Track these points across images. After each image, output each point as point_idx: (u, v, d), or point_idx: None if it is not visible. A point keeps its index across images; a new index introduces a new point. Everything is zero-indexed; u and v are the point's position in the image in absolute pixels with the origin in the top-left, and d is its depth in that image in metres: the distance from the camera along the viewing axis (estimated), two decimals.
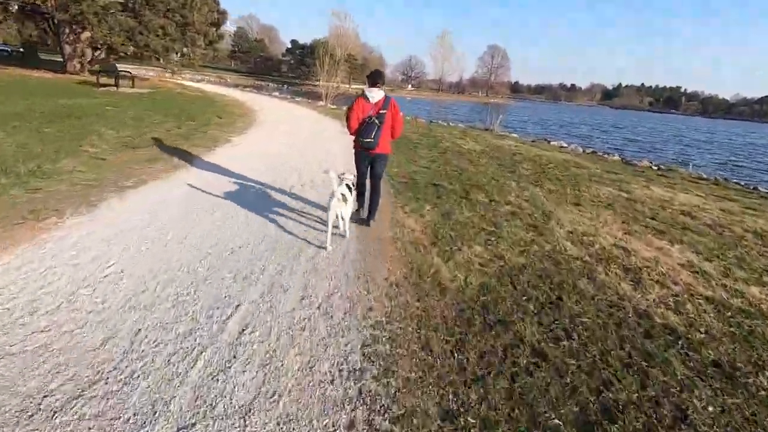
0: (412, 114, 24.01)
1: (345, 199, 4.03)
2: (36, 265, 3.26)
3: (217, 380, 2.29)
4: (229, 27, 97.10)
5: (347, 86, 78.46)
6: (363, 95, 4.38)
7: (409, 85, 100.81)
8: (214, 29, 22.72)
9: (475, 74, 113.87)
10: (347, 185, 4.19)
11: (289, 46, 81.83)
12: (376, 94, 4.35)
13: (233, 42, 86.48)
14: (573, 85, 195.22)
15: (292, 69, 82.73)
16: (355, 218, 4.83)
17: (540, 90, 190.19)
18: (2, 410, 1.95)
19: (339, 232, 4.39)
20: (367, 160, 4.59)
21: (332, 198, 3.91)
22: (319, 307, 3.13)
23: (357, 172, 4.74)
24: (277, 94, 33.20)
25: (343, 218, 4.22)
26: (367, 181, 4.87)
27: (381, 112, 4.31)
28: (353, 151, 4.66)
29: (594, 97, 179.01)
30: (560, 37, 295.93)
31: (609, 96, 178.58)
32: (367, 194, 4.94)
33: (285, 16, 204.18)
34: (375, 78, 4.49)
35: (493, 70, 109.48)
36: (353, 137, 4.52)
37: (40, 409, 1.98)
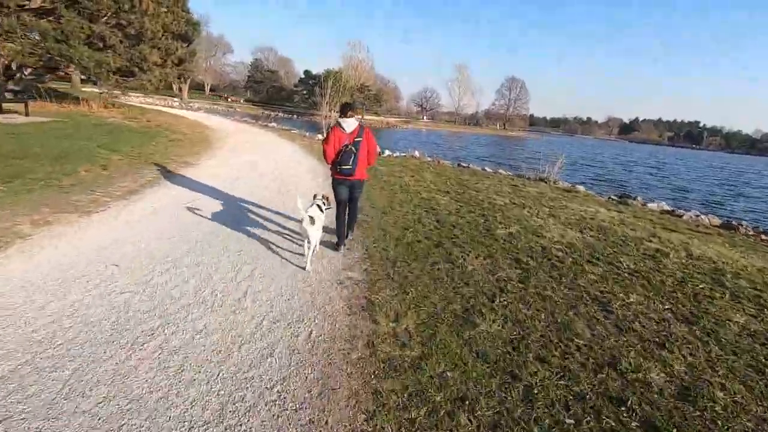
0: (430, 151, 18.16)
1: (313, 221, 4.03)
2: None
3: None
4: (236, 60, 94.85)
5: (359, 117, 74.16)
6: (338, 125, 4.43)
7: (424, 117, 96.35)
8: (184, 44, 17.46)
9: (492, 106, 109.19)
10: (318, 205, 4.35)
11: (303, 76, 78.33)
12: (350, 124, 4.42)
13: (249, 72, 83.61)
14: (589, 119, 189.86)
15: (303, 99, 78.95)
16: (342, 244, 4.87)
17: (555, 123, 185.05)
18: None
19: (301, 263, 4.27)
20: (346, 186, 4.59)
21: (303, 221, 3.95)
22: None
23: (336, 200, 4.71)
24: (274, 124, 27.95)
25: (309, 243, 4.13)
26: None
27: (356, 140, 4.38)
28: (331, 179, 4.66)
29: (611, 131, 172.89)
30: (574, 70, 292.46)
31: (626, 130, 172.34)
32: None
33: (303, 50, 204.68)
34: (347, 108, 4.54)
35: (511, 102, 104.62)
36: (330, 166, 4.54)
37: None
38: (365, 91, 68.17)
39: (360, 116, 66.80)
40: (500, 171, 14.68)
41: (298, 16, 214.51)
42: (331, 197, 4.77)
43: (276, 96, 79.21)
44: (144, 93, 58.28)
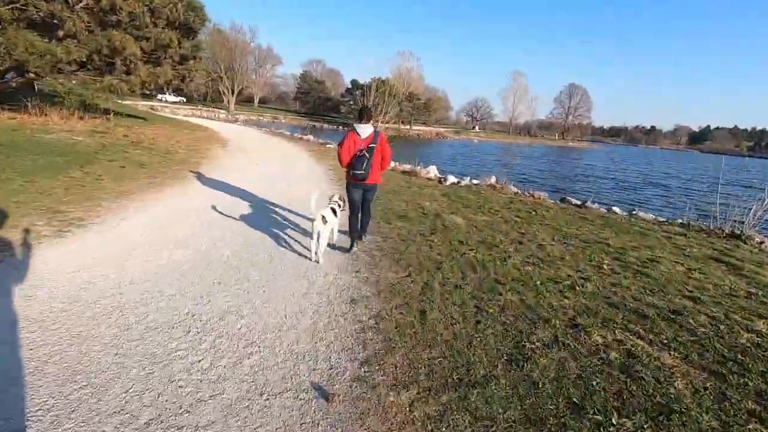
0: (490, 167, 12.59)
1: (325, 221, 4.13)
2: None
3: None
4: (287, 72, 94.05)
5: (407, 127, 69.33)
6: (354, 130, 4.41)
7: (476, 127, 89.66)
8: (187, 36, 13.11)
9: (549, 116, 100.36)
10: (332, 207, 4.41)
11: (350, 86, 74.73)
12: (365, 129, 4.40)
13: (298, 84, 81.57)
14: (653, 127, 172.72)
15: (350, 110, 75.36)
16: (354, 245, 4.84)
17: (615, 132, 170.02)
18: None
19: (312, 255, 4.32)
20: (359, 190, 4.63)
21: (314, 220, 4.03)
22: None
23: (349, 203, 4.78)
24: (311, 137, 23.41)
25: (319, 240, 4.19)
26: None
27: (371, 145, 4.36)
28: (345, 182, 4.68)
29: (679, 141, 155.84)
30: (633, 75, 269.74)
31: (696, 139, 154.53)
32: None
33: (351, 62, 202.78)
34: (363, 114, 4.50)
35: (570, 111, 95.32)
36: (345, 170, 4.53)
37: None
38: (414, 100, 63.15)
39: (409, 126, 61.95)
40: (638, 213, 8.79)
41: (349, 32, 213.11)
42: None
43: (323, 106, 76.29)
44: (144, 97, 57.60)
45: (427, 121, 70.96)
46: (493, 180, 11.28)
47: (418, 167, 13.08)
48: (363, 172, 4.35)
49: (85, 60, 10.36)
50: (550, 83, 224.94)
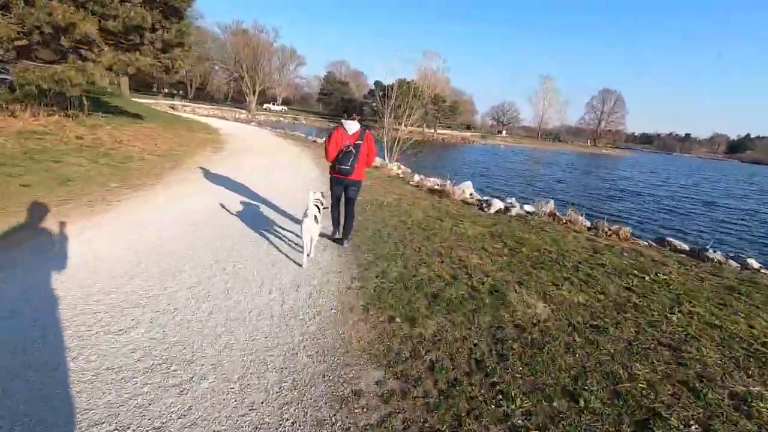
0: (535, 186, 9.69)
1: (316, 220, 4.03)
2: None
3: None
4: (311, 73, 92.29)
5: (431, 131, 66.04)
6: (341, 126, 4.46)
7: (503, 131, 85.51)
8: (171, 20, 10.60)
9: (580, 121, 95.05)
10: (316, 205, 4.19)
11: (373, 87, 72.11)
12: (352, 126, 4.44)
13: (322, 86, 79.64)
14: (687, 135, 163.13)
15: (373, 111, 72.76)
16: (331, 238, 4.95)
17: (646, 139, 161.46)
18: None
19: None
20: (342, 185, 4.59)
21: (305, 218, 3.92)
22: None
23: (332, 197, 4.76)
24: (317, 140, 20.72)
25: (312, 239, 4.12)
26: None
27: (357, 142, 4.39)
28: (329, 176, 4.66)
29: (716, 149, 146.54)
30: (667, 80, 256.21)
31: (735, 148, 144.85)
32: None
33: (375, 63, 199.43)
34: (351, 112, 4.62)
35: (603, 116, 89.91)
36: (330, 164, 4.54)
37: None
38: (439, 102, 59.93)
39: (433, 131, 58.73)
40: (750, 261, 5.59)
41: (374, 32, 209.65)
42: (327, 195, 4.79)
43: (345, 108, 73.94)
44: (151, 94, 56.27)
45: (452, 125, 67.56)
46: (551, 207, 8.23)
47: (449, 184, 10.17)
48: (348, 167, 4.35)
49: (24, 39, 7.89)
50: (579, 88, 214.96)
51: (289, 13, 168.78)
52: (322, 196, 4.51)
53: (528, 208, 8.22)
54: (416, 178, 11.21)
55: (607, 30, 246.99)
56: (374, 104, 73.82)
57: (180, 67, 11.36)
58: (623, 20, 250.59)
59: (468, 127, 75.21)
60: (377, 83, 69.77)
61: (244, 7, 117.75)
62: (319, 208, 4.25)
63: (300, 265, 4.06)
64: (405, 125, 16.57)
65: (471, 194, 9.61)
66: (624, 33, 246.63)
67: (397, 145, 15.91)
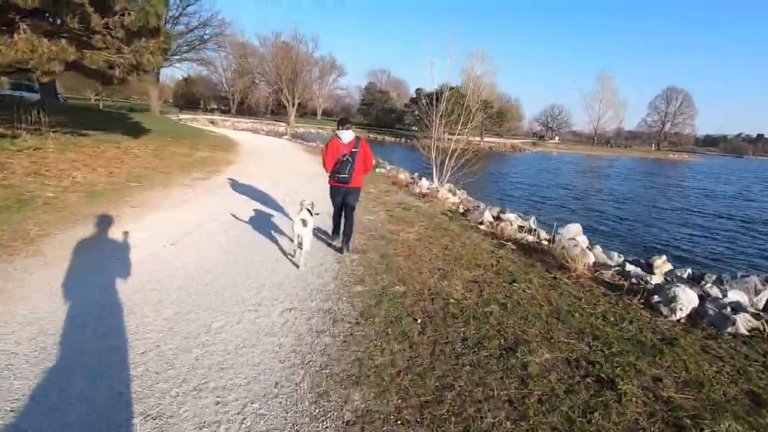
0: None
1: (305, 223, 4.08)
2: None
3: None
4: (352, 84, 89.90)
5: (477, 139, 61.34)
6: (336, 136, 4.48)
7: (556, 137, 78.64)
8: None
9: (641, 124, 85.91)
10: (307, 209, 4.28)
11: (414, 95, 68.56)
12: (347, 135, 4.47)
13: (362, 96, 77.28)
14: (760, 136, 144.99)
15: (416, 121, 69.05)
16: (334, 247, 4.94)
17: (711, 142, 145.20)
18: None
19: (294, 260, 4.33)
20: (341, 194, 4.61)
21: (294, 223, 4.04)
22: None
23: (333, 205, 4.81)
24: None
25: (301, 245, 4.16)
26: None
27: (353, 150, 4.43)
28: (328, 186, 4.70)
29: None
30: (733, 77, 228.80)
31: None
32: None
33: (418, 71, 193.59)
34: (345, 121, 4.58)
35: (668, 118, 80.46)
36: (329, 174, 4.56)
37: None
38: (487, 108, 55.15)
39: (480, 139, 54.03)
40: None
41: (413, 41, 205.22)
42: (327, 204, 4.90)
43: (385, 118, 70.89)
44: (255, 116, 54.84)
45: (500, 132, 62.32)
46: None
47: (554, 235, 6.20)
48: (346, 175, 4.40)
49: None
50: (636, 88, 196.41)
51: (328, 22, 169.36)
52: (312, 206, 4.50)
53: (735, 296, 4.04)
54: (487, 215, 7.30)
55: (661, 18, 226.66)
56: (416, 112, 70.13)
57: (150, 65, 8.26)
58: (678, 13, 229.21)
59: (512, 133, 69.42)
60: (419, 90, 66.29)
61: (283, 20, 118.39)
62: (310, 212, 4.29)
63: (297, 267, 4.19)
64: (464, 133, 12.72)
65: (606, 263, 5.40)
66: (680, 26, 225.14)
67: (450, 160, 12.03)
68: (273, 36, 56.85)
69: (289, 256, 4.50)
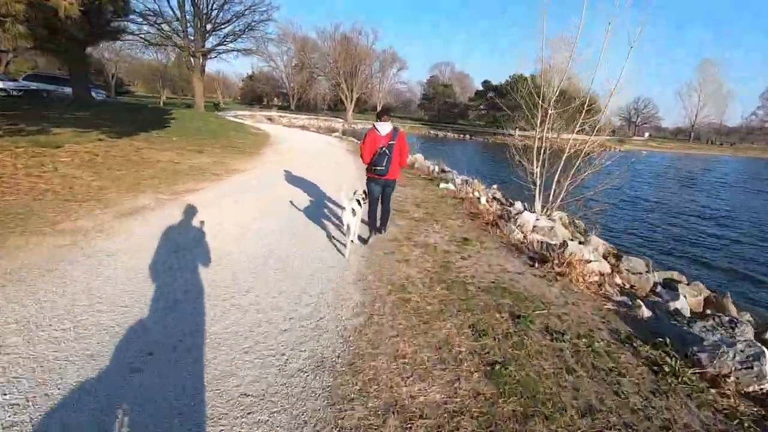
0: None
1: (354, 212, 4.08)
2: None
3: None
4: (413, 79, 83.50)
5: (553, 136, 53.54)
6: (374, 128, 4.34)
7: (646, 134, 67.37)
8: None
9: (750, 117, 71.27)
10: (357, 200, 4.25)
11: (480, 88, 62.07)
12: (385, 127, 4.33)
13: (424, 91, 72.25)
14: None
15: (480, 116, 62.52)
16: (371, 230, 4.81)
17: None
18: None
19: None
20: (379, 186, 4.54)
21: (344, 211, 4.01)
22: None
23: (370, 197, 4.68)
24: (426, 163, 13.03)
25: (348, 228, 4.15)
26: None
27: (390, 143, 4.30)
28: (366, 177, 4.62)
29: None
30: None
31: None
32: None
33: (486, 63, 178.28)
34: (383, 113, 4.44)
35: None
36: (366, 166, 4.47)
37: None
38: (570, 101, 47.51)
39: (555, 134, 46.71)
40: None
41: (479, 32, 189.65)
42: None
43: (448, 113, 65.25)
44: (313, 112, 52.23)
45: (584, 129, 53.76)
46: None
47: None
48: (384, 168, 4.30)
49: None
50: (740, 79, 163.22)
51: (390, 12, 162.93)
52: (364, 193, 4.52)
53: None
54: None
55: None
56: (482, 107, 63.65)
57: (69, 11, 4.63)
58: None
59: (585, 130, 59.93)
60: (486, 83, 59.82)
61: (344, 14, 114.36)
62: (359, 203, 4.27)
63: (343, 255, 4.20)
64: (539, 131, 7.90)
65: None
66: None
67: (564, 173, 7.29)
68: (332, 28, 53.74)
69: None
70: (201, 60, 24.69)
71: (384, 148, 4.26)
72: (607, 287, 4.18)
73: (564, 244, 4.83)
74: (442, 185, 9.07)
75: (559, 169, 7.71)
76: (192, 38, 23.55)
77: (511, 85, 51.03)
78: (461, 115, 66.43)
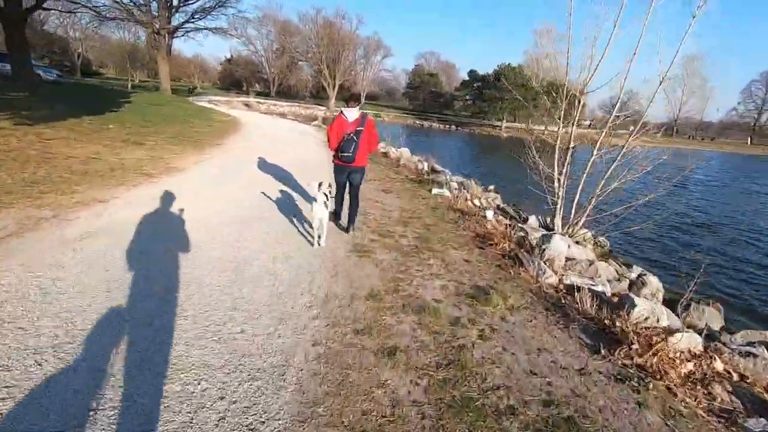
0: None
1: (326, 205, 3.90)
2: None
3: None
4: (397, 67, 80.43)
5: (539, 128, 52.43)
6: (341, 114, 4.25)
7: (630, 126, 66.90)
8: None
9: (731, 114, 71.59)
10: (324, 193, 3.99)
11: (467, 78, 60.15)
12: (353, 113, 4.23)
13: (409, 79, 69.76)
14: None
15: (466, 107, 60.82)
16: (338, 227, 4.63)
17: None
18: None
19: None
20: (345, 172, 4.39)
21: (314, 203, 3.83)
22: None
23: (336, 184, 4.50)
24: (394, 149, 11.14)
25: (321, 225, 3.98)
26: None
27: (358, 129, 4.20)
28: (333, 165, 4.45)
29: None
30: None
31: None
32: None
33: (469, 54, 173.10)
34: (351, 99, 4.42)
35: (765, 107, 65.99)
36: (333, 152, 4.33)
37: None
38: (555, 91, 46.20)
39: (541, 127, 45.56)
40: None
41: (465, 21, 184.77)
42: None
43: (433, 103, 63.30)
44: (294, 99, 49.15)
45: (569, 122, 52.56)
46: None
47: None
48: (350, 154, 4.17)
49: None
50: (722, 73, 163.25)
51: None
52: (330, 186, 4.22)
53: None
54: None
55: None
56: (468, 97, 62.37)
57: None
58: None
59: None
60: (472, 73, 57.96)
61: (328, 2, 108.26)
62: (327, 196, 4.01)
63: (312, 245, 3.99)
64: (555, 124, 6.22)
65: None
66: None
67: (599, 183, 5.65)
68: (314, 12, 50.75)
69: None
70: (167, 39, 22.03)
71: (351, 134, 4.13)
72: (717, 389, 2.53)
73: (626, 300, 3.16)
74: (435, 190, 7.30)
75: (585, 174, 6.06)
76: (156, 14, 20.89)
77: (498, 76, 49.47)
78: (447, 105, 64.56)
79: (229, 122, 15.63)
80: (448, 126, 49.78)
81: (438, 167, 10.31)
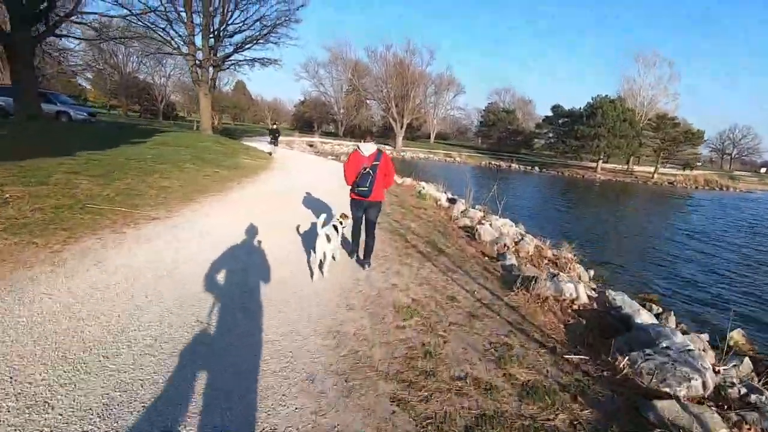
0: None
1: (329, 239, 3.99)
2: None
3: None
4: (470, 106, 77.38)
5: (647, 169, 44.67)
6: (357, 149, 4.33)
7: (763, 169, 55.39)
8: None
9: None
10: (334, 225, 4.24)
11: (549, 114, 54.63)
12: (368, 148, 4.29)
13: (482, 117, 66.10)
14: None
15: (550, 145, 54.81)
16: (356, 260, 4.77)
17: None
18: None
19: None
20: (362, 207, 4.46)
21: (318, 237, 3.90)
22: None
23: (353, 219, 4.63)
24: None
25: (325, 257, 4.06)
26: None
27: (374, 163, 4.26)
28: (349, 199, 4.56)
29: None
30: None
31: None
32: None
33: (548, 89, 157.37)
34: (366, 135, 4.45)
35: None
36: (350, 187, 4.43)
37: None
38: (663, 126, 39.19)
39: (650, 168, 38.22)
40: None
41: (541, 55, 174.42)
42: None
43: (509, 141, 58.61)
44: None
45: (690, 162, 44.24)
46: None
47: None
48: (367, 189, 4.24)
49: None
50: None
51: (447, 36, 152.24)
52: (343, 216, 4.55)
53: None
54: None
55: None
56: (551, 135, 56.04)
57: None
58: None
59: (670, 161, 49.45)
60: (557, 109, 52.57)
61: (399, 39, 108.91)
62: (337, 229, 4.24)
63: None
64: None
65: None
66: None
67: None
68: (384, 49, 50.19)
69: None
70: (210, 72, 20.54)
71: (368, 169, 4.20)
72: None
73: None
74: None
75: None
76: (199, 46, 19.43)
77: (593, 111, 43.53)
78: (525, 143, 59.22)
79: (249, 168, 12.70)
80: (530, 167, 44.40)
81: (522, 232, 6.04)
